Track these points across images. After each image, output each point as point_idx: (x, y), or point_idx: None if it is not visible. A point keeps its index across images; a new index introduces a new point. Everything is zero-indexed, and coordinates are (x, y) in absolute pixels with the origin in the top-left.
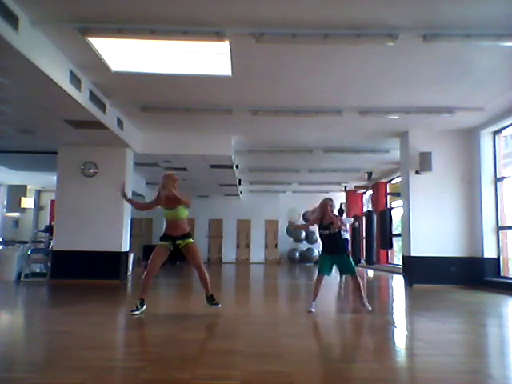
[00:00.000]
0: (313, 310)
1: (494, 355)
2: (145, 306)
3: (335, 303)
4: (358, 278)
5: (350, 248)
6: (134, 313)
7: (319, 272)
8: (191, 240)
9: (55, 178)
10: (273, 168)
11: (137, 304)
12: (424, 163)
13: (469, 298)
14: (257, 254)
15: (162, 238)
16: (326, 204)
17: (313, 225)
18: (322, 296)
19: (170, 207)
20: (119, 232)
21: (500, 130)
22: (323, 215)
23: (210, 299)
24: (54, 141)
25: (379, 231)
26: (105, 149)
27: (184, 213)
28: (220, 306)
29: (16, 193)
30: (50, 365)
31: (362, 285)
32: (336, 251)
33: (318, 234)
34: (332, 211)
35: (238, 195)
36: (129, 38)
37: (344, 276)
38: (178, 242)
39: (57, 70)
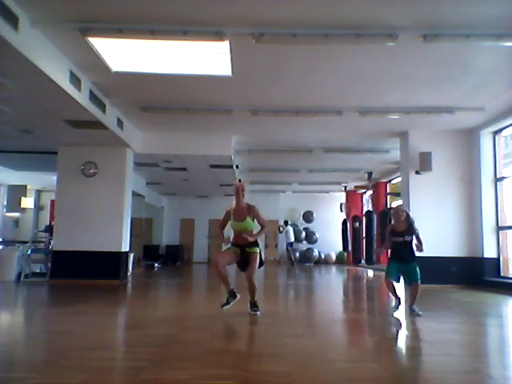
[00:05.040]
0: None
1: (493, 355)
2: (238, 297)
3: (335, 303)
4: (419, 287)
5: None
6: (224, 307)
7: (388, 276)
8: (256, 249)
9: (55, 178)
10: (273, 168)
11: (227, 297)
12: (424, 163)
13: (469, 298)
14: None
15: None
16: (399, 211)
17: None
18: (321, 296)
19: (239, 219)
20: (119, 232)
21: (500, 130)
22: (395, 223)
23: (252, 305)
24: (54, 141)
25: (379, 231)
26: (105, 149)
27: (252, 225)
28: (259, 313)
29: (16, 193)
30: (50, 365)
31: (418, 294)
32: (406, 259)
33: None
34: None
35: None
36: (129, 38)
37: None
38: (246, 248)
39: (57, 70)
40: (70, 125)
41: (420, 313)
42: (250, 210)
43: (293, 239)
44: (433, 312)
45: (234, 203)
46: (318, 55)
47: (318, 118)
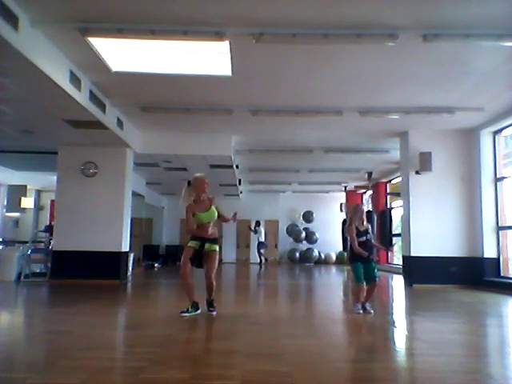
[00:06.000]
0: (361, 311)
1: (494, 355)
2: (199, 311)
3: (335, 303)
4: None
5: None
6: (182, 314)
7: (359, 280)
8: (216, 247)
9: (55, 178)
10: (273, 168)
11: (188, 306)
12: (424, 163)
13: (469, 298)
14: (257, 254)
15: (191, 239)
16: (358, 210)
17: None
18: (321, 296)
19: (204, 210)
20: (119, 232)
21: (500, 130)
22: (359, 221)
23: (210, 304)
24: (54, 141)
25: (379, 231)
26: (105, 149)
27: (216, 213)
28: (215, 313)
29: (16, 193)
30: (50, 365)
31: (374, 292)
32: (368, 258)
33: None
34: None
35: (237, 195)
36: (129, 38)
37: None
38: (206, 244)
39: (57, 70)
40: (69, 125)
41: (372, 311)
42: (212, 200)
43: (263, 239)
44: (433, 312)
45: (191, 198)
46: (318, 55)
47: (318, 117)
